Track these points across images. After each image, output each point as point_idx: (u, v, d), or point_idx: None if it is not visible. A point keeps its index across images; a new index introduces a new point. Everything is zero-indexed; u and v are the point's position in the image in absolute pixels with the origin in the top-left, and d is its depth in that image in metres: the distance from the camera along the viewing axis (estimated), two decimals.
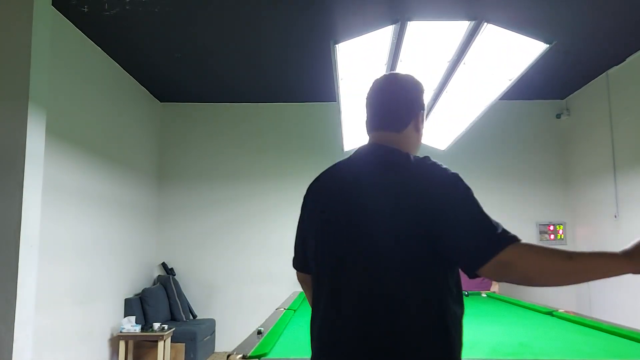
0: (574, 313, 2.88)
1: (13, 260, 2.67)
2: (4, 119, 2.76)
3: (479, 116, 4.07)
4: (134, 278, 5.34)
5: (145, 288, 5.36)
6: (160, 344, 4.66)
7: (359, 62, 3.21)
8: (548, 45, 2.77)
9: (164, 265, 5.96)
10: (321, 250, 1.18)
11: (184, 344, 5.02)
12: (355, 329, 1.06)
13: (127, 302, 5.06)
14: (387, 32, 2.81)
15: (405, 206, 1.06)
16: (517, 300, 3.64)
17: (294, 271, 1.44)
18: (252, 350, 1.83)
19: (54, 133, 3.75)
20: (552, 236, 5.95)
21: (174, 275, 5.89)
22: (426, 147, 5.48)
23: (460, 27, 2.75)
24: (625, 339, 2.19)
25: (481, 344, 2.03)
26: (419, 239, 1.05)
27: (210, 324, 5.70)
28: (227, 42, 4.43)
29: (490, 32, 2.76)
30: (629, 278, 4.54)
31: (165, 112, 6.29)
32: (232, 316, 5.89)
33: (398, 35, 2.79)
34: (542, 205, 6.03)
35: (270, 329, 2.32)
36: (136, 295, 5.30)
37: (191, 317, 5.72)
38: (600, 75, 5.30)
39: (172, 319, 5.50)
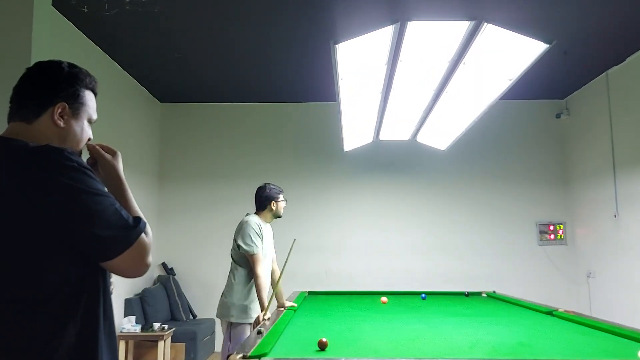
0: (573, 313, 2.89)
1: None
2: (3, 119, 2.75)
3: (479, 116, 4.07)
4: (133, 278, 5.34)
5: (145, 288, 5.36)
6: (160, 343, 4.66)
7: (359, 62, 3.21)
8: (548, 45, 2.77)
9: (164, 265, 5.96)
10: None
11: (184, 343, 5.02)
12: None
13: (127, 302, 5.06)
14: (387, 32, 2.81)
15: None
16: (517, 300, 3.65)
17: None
18: (252, 350, 1.83)
19: None
20: (552, 236, 5.95)
21: (174, 275, 5.89)
22: (426, 147, 5.48)
23: (460, 27, 2.75)
24: (625, 339, 2.19)
25: (481, 344, 2.03)
26: None
27: (210, 324, 5.70)
28: (227, 42, 4.44)
29: (490, 32, 2.75)
30: (629, 278, 4.53)
31: (165, 112, 6.29)
32: None
33: (398, 35, 2.79)
34: (542, 205, 6.03)
35: (270, 329, 2.33)
36: (136, 295, 5.30)
37: (191, 317, 5.72)
38: (600, 75, 5.30)
39: (172, 318, 5.50)
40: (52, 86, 1.18)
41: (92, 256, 1.06)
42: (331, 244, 5.98)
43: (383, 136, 5.14)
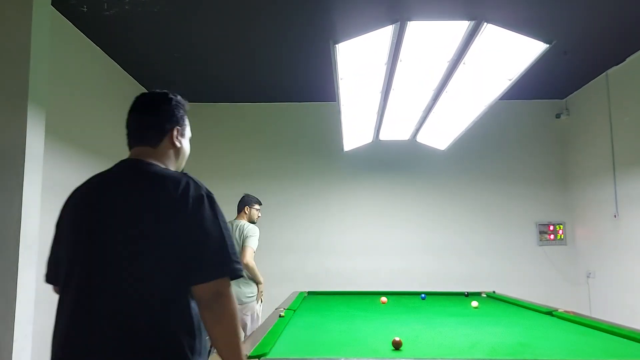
0: (573, 313, 2.89)
1: (13, 260, 2.67)
2: (3, 119, 2.76)
3: (479, 116, 4.07)
4: None
5: None
6: None
7: (358, 62, 3.21)
8: (548, 45, 2.77)
9: None
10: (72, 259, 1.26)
11: None
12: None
13: None
14: (387, 32, 2.81)
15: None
16: (517, 301, 3.65)
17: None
18: (252, 350, 1.83)
19: (53, 133, 3.74)
20: (551, 236, 5.94)
21: None
22: (426, 147, 5.48)
23: (460, 27, 2.75)
24: (625, 339, 2.19)
25: (481, 344, 2.03)
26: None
27: None
28: (227, 42, 4.43)
29: (490, 32, 2.76)
30: (629, 278, 4.54)
31: None
32: None
33: (398, 35, 2.79)
34: (541, 205, 6.03)
35: (270, 329, 2.32)
36: None
37: None
38: (600, 75, 5.30)
39: None
40: (170, 115, 1.39)
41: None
42: (331, 243, 5.98)
43: (383, 136, 5.15)
